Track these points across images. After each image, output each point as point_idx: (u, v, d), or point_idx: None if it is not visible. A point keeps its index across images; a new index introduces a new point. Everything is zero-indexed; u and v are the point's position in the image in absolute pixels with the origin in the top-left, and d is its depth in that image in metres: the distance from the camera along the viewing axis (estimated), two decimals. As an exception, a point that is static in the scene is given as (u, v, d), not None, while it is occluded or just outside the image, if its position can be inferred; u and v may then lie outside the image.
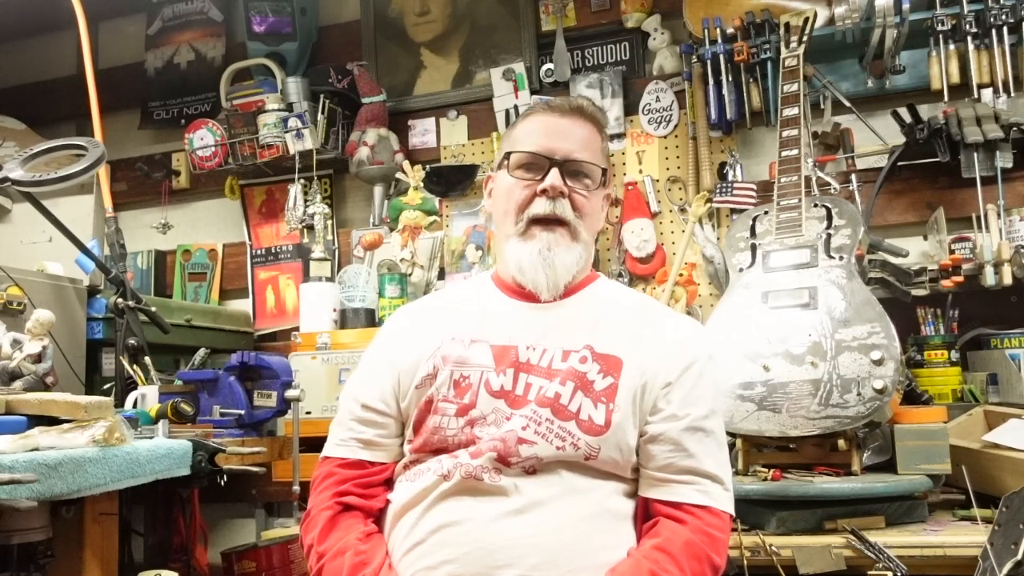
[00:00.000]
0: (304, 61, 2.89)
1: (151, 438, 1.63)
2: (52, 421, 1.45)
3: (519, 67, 2.64)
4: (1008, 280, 1.97)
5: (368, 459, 1.32)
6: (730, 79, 2.33)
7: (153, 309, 2.14)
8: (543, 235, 1.29)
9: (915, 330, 2.09)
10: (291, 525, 2.50)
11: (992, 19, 2.08)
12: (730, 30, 2.32)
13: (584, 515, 1.18)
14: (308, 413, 2.21)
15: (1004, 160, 2.06)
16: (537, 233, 1.29)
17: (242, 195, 2.98)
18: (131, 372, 2.00)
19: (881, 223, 2.27)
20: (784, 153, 1.97)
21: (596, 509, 1.20)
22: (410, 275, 2.51)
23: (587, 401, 1.22)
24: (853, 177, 2.22)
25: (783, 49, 2.14)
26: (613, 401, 1.22)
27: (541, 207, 1.29)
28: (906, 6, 2.12)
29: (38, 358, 1.74)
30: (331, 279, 2.53)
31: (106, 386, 2.13)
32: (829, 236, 1.84)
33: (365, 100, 2.71)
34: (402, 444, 1.33)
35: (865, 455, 1.73)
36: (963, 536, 1.53)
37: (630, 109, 2.56)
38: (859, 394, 1.64)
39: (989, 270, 1.98)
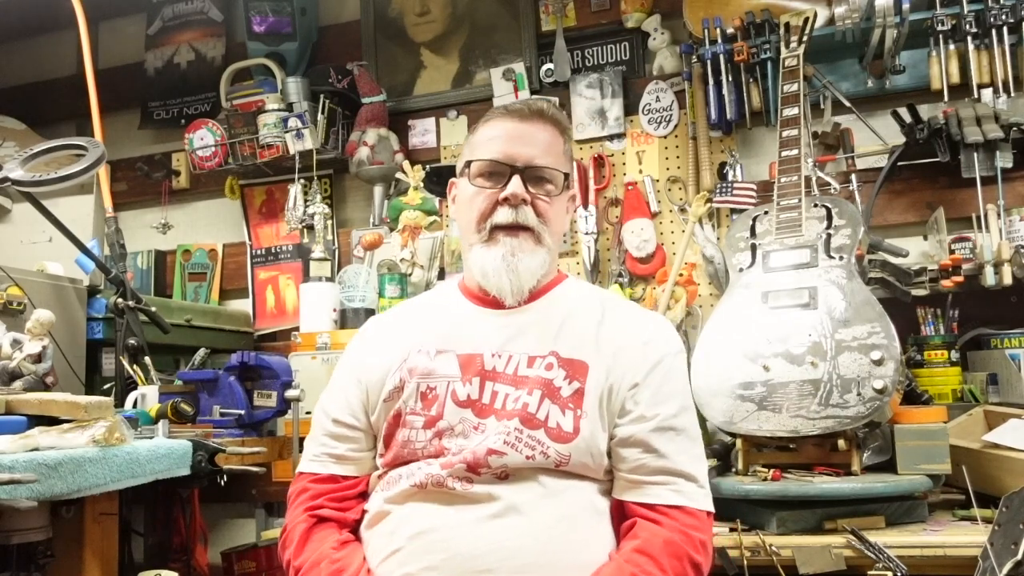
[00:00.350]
0: (304, 61, 2.88)
1: (151, 438, 1.63)
2: (52, 421, 1.45)
3: (519, 67, 2.64)
4: (1008, 280, 1.96)
5: (341, 473, 1.33)
6: (730, 79, 2.33)
7: (153, 309, 2.14)
8: (507, 240, 1.29)
9: (915, 330, 2.09)
10: (291, 525, 2.50)
11: (992, 19, 2.07)
12: (730, 30, 2.32)
13: (562, 515, 1.19)
14: (308, 413, 2.19)
15: (1004, 160, 2.06)
16: (501, 238, 1.29)
17: (242, 195, 2.98)
18: (131, 372, 2.00)
19: (881, 223, 2.27)
20: (784, 153, 1.97)
21: (573, 509, 1.20)
22: (410, 275, 2.51)
23: (555, 408, 1.22)
24: (853, 177, 2.22)
25: (783, 49, 2.14)
26: (581, 407, 1.22)
27: (504, 215, 1.29)
28: (906, 6, 2.12)
29: (38, 358, 1.74)
30: (331, 279, 2.52)
31: (106, 386, 2.13)
32: (829, 236, 1.84)
33: (365, 100, 2.71)
34: (375, 457, 1.33)
35: (865, 455, 1.73)
36: (963, 536, 1.53)
37: (630, 109, 2.56)
38: (859, 394, 1.64)
39: (989, 270, 1.98)
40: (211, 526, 2.43)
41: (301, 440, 1.99)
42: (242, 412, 1.93)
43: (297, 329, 2.44)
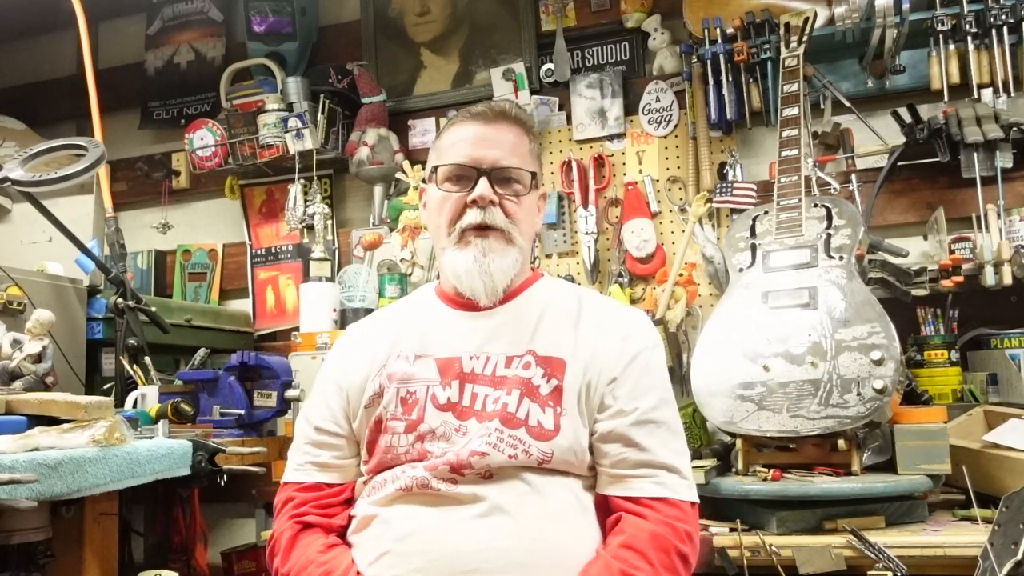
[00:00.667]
0: (304, 61, 2.88)
1: (151, 438, 1.63)
2: (52, 421, 1.45)
3: (519, 67, 2.64)
4: (1008, 280, 1.96)
5: (325, 481, 1.33)
6: (730, 79, 2.33)
7: (153, 309, 2.14)
8: (477, 241, 1.29)
9: (915, 330, 2.09)
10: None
11: (992, 19, 2.07)
12: (730, 30, 2.32)
13: (547, 512, 1.19)
14: (308, 413, 2.21)
15: (1004, 160, 2.06)
16: (472, 240, 1.29)
17: (242, 195, 2.98)
18: (131, 372, 2.00)
19: (881, 223, 2.27)
20: (784, 153, 1.97)
21: (558, 505, 1.21)
22: (410, 275, 2.51)
23: (535, 407, 1.23)
24: (853, 177, 2.22)
25: (783, 49, 2.14)
26: (560, 404, 1.23)
27: (472, 217, 1.29)
28: (906, 6, 2.12)
29: (38, 358, 1.75)
30: (331, 279, 2.52)
31: (106, 386, 2.13)
32: (829, 236, 1.84)
33: (365, 100, 2.71)
34: (359, 464, 1.34)
35: (865, 455, 1.73)
36: (963, 536, 1.53)
37: (630, 109, 2.56)
38: (859, 394, 1.64)
39: (989, 270, 1.98)
40: (211, 526, 2.42)
41: (301, 440, 2.00)
42: (242, 412, 1.93)
43: (297, 329, 2.44)
